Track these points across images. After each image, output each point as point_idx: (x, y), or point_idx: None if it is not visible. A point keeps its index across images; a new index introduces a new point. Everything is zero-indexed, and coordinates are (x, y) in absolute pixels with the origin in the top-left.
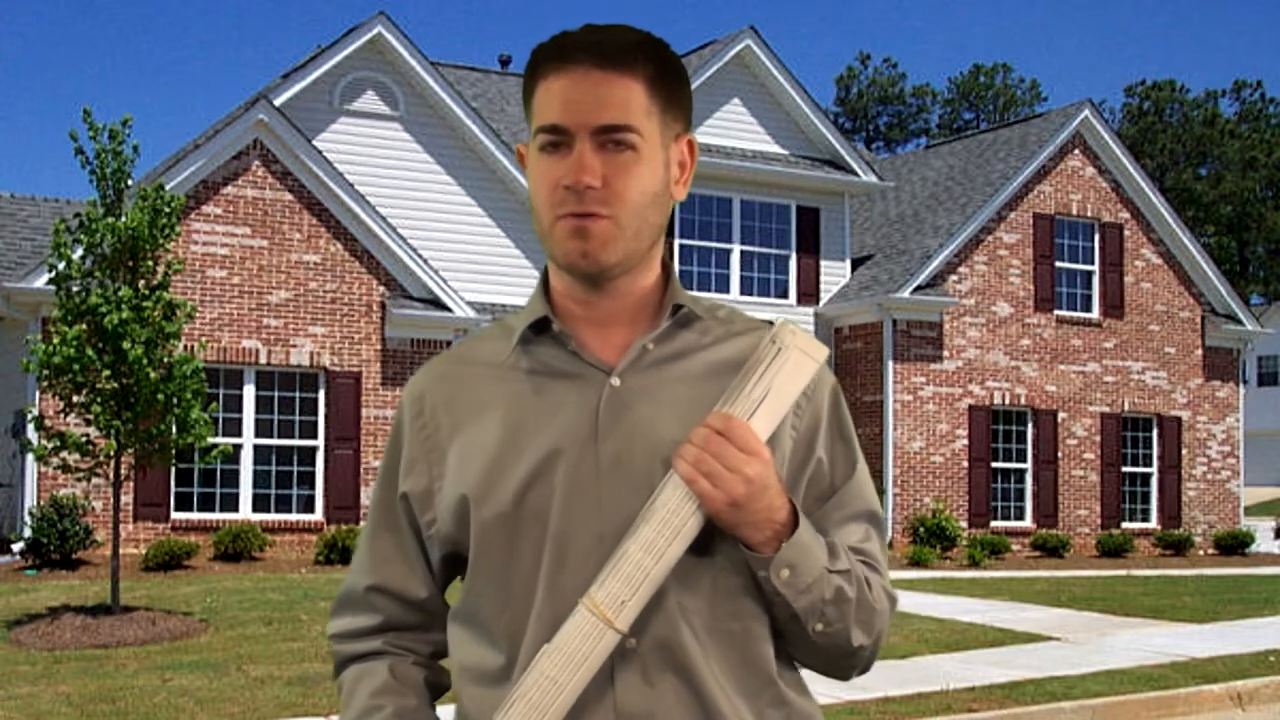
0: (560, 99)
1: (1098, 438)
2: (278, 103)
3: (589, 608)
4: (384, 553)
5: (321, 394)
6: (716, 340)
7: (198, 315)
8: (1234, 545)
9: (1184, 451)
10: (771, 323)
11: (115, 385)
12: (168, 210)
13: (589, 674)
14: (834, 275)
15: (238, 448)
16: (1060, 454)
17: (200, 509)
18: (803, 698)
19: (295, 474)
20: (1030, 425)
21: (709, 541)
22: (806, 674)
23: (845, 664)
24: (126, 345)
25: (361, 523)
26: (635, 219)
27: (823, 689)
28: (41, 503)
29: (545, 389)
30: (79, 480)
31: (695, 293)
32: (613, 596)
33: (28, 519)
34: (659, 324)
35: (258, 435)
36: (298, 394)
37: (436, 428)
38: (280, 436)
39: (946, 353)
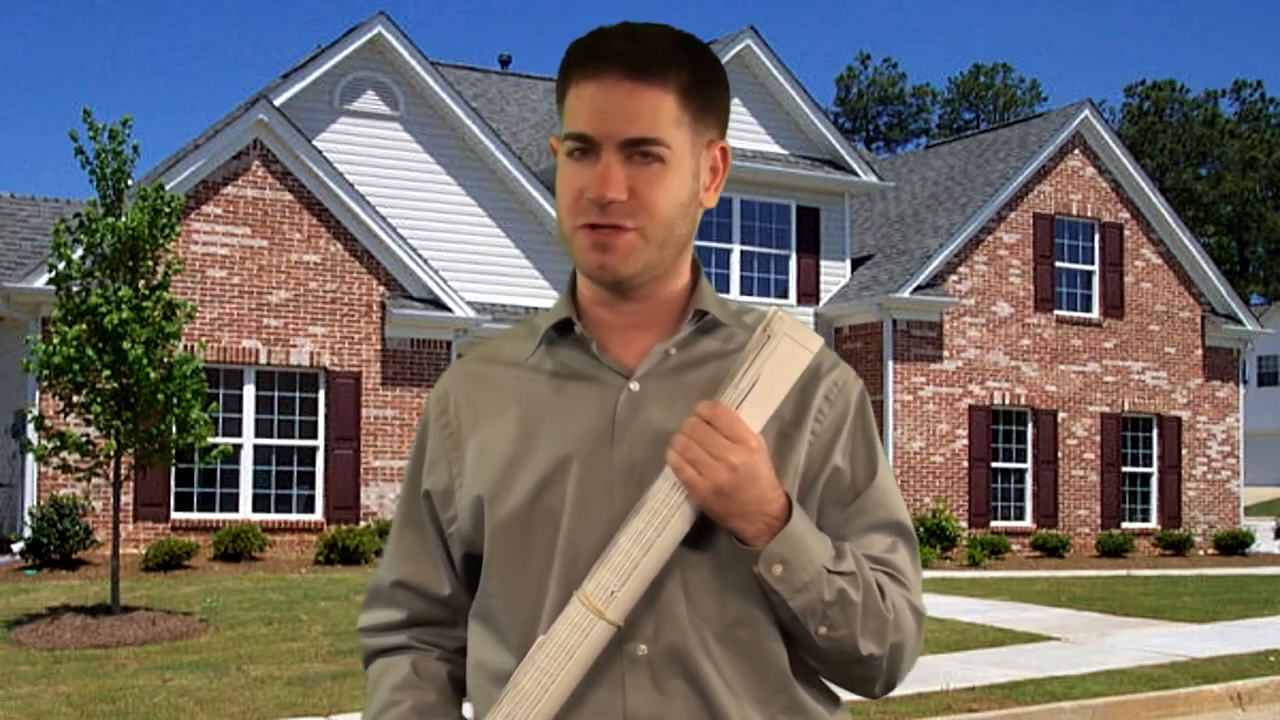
0: (589, 108)
1: (1098, 438)
2: (278, 103)
3: (580, 600)
4: (408, 549)
5: (321, 394)
6: (740, 346)
7: (198, 315)
8: (1234, 545)
9: (1184, 451)
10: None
11: (115, 385)
12: (168, 210)
13: (581, 666)
14: (834, 275)
15: (238, 448)
16: (1060, 454)
17: (200, 509)
18: (824, 707)
19: (295, 474)
20: (1030, 425)
21: (715, 546)
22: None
23: (858, 673)
24: (126, 345)
25: (361, 523)
26: (662, 231)
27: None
28: (41, 503)
29: (564, 391)
30: (79, 480)
31: None
32: (602, 587)
33: (28, 519)
34: (681, 329)
35: (258, 435)
36: (298, 394)
37: (458, 426)
38: (280, 436)
39: (946, 353)
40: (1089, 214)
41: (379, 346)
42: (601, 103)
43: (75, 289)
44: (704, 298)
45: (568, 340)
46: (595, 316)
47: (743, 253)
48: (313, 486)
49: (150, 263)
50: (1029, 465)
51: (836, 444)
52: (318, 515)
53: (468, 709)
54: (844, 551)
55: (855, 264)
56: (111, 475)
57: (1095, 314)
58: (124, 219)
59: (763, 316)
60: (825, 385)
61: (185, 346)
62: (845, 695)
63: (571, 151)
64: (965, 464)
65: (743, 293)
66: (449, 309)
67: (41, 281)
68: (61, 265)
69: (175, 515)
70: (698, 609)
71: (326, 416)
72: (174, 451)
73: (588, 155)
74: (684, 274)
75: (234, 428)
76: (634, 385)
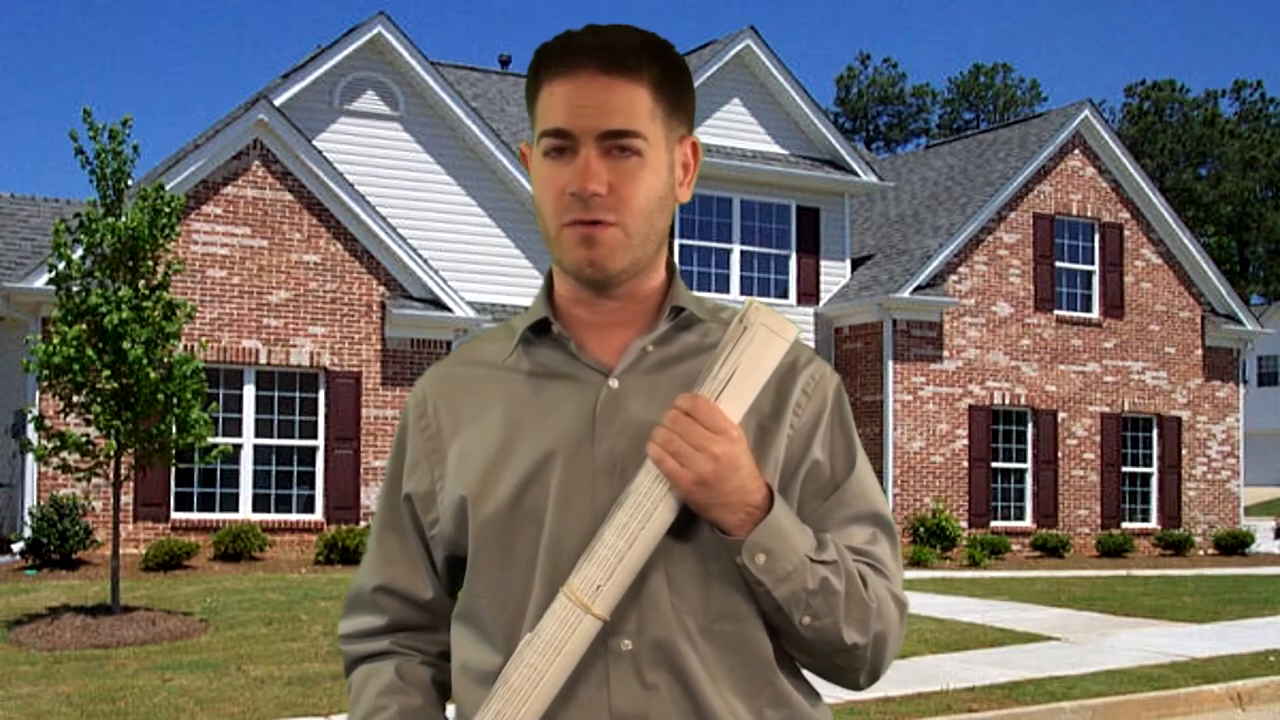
0: (564, 103)
1: (1098, 438)
2: (278, 103)
3: (566, 595)
4: (390, 554)
5: (321, 394)
6: (718, 342)
7: (198, 315)
8: (1234, 545)
9: (1184, 451)
10: None
11: (115, 385)
12: (168, 210)
13: (569, 661)
14: (834, 275)
15: (238, 448)
16: (1060, 454)
17: (200, 509)
18: (807, 700)
19: (295, 474)
20: (1030, 425)
21: (697, 541)
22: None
23: (842, 663)
24: (126, 345)
25: (361, 523)
26: (642, 225)
27: (821, 688)
28: (41, 503)
29: (543, 390)
30: (79, 480)
31: (697, 293)
32: (588, 581)
33: (28, 519)
34: (658, 326)
35: (258, 435)
36: (298, 394)
37: (438, 429)
38: (280, 436)
39: (946, 353)
40: (1089, 214)
41: (379, 346)
42: (578, 98)
43: (75, 289)
44: (680, 294)
45: (545, 340)
46: (572, 315)
47: (743, 253)
48: (313, 486)
49: (150, 263)
50: (1029, 465)
51: (815, 437)
52: (318, 515)
53: (451, 712)
54: (826, 542)
55: (855, 264)
56: (111, 475)
57: (1095, 314)
58: (124, 219)
59: (738, 313)
60: (803, 379)
61: (185, 346)
62: (844, 695)
63: (548, 150)
64: (965, 464)
65: (743, 293)
66: (449, 309)
67: (41, 281)
68: (61, 265)
69: (175, 515)
70: (682, 602)
71: (326, 416)
72: (174, 451)
73: (565, 153)
74: (660, 271)
75: (234, 428)
76: (613, 383)
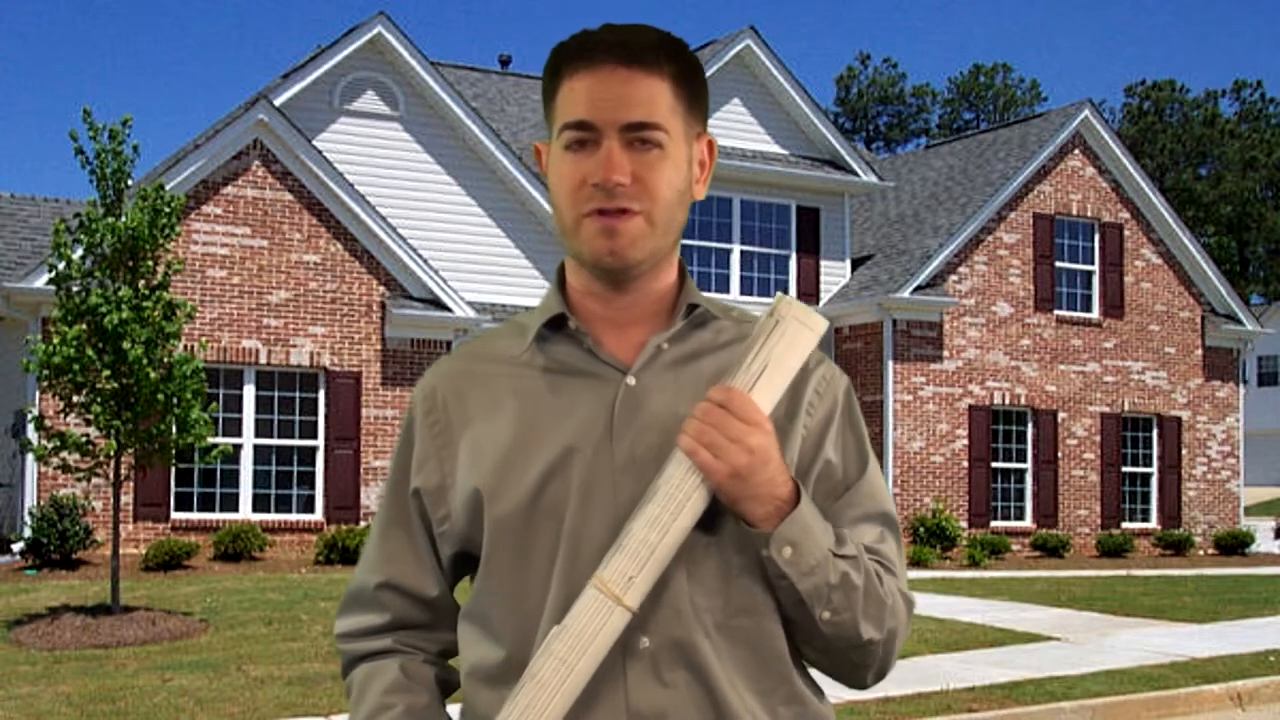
0: (586, 97)
1: (1098, 438)
2: (278, 103)
3: (597, 586)
4: (395, 550)
5: (321, 394)
6: (731, 340)
7: (198, 315)
8: (1234, 545)
9: (1184, 451)
10: None
11: (115, 385)
12: (168, 210)
13: (599, 653)
14: (834, 275)
15: (238, 448)
16: (1060, 454)
17: (200, 509)
18: (817, 697)
19: (295, 474)
20: (1030, 425)
21: (719, 534)
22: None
23: (857, 659)
24: (126, 345)
25: (362, 523)
26: (665, 215)
27: (823, 688)
28: (41, 503)
29: (560, 386)
30: (79, 480)
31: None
32: (620, 573)
33: (28, 519)
34: (674, 323)
35: (258, 435)
36: (298, 394)
37: (448, 424)
38: (280, 436)
39: (946, 353)
40: (1089, 214)
41: (379, 346)
42: (599, 91)
43: (75, 289)
44: (693, 293)
45: (560, 336)
46: (587, 311)
47: (743, 253)
48: (313, 486)
49: (150, 263)
50: (1029, 465)
51: (827, 437)
52: (318, 515)
53: (453, 710)
54: (845, 537)
55: (855, 264)
56: (111, 475)
57: (1095, 314)
58: (124, 219)
59: (746, 314)
60: (814, 380)
61: (185, 346)
62: (845, 695)
63: (570, 144)
64: (965, 464)
65: (743, 293)
66: (449, 309)
67: (41, 281)
68: (61, 265)
69: (175, 515)
70: (702, 598)
71: (326, 416)
72: (174, 451)
73: (586, 145)
74: (673, 269)
75: (234, 428)
76: (630, 380)
